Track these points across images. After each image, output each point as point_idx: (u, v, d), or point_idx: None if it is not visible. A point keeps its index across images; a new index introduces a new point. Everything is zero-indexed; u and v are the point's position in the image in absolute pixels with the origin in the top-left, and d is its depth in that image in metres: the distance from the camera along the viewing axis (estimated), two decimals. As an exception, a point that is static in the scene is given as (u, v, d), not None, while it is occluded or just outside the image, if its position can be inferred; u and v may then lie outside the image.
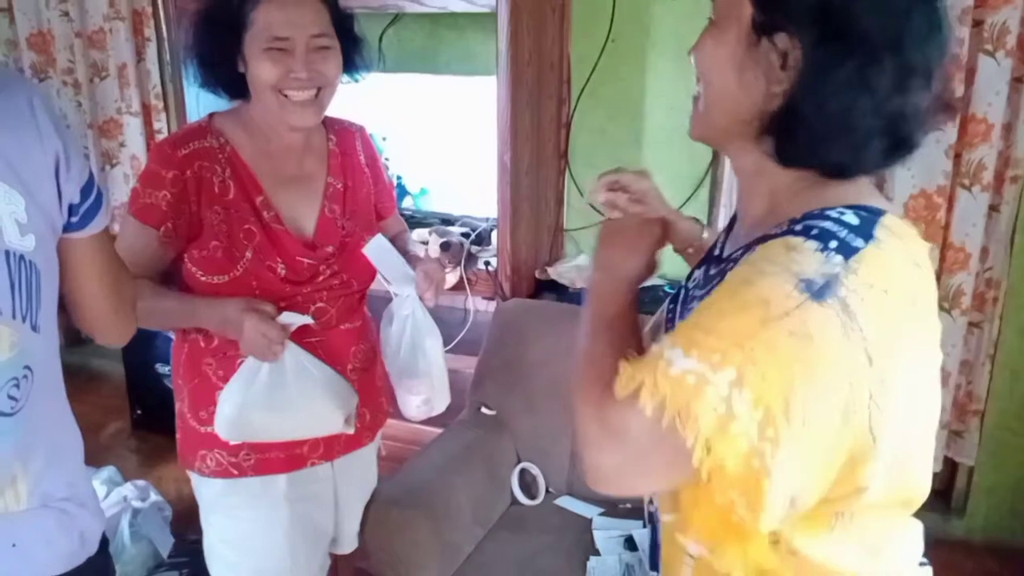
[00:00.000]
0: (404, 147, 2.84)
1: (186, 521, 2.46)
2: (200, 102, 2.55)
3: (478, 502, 2.10)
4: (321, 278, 1.57)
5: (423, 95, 2.78)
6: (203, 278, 1.50)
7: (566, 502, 2.21)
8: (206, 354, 1.56)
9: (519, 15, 2.29)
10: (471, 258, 2.67)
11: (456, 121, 2.74)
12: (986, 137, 2.26)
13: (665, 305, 1.03)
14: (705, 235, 1.21)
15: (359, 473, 1.80)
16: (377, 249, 1.60)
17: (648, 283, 1.07)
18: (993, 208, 2.35)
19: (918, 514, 0.91)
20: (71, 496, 1.10)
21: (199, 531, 1.68)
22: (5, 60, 3.45)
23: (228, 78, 1.52)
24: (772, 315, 0.72)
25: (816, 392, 0.72)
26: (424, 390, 1.72)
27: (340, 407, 1.56)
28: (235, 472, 1.58)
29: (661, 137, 2.69)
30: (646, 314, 1.07)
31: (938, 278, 2.37)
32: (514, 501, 2.23)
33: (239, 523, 1.63)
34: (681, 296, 1.00)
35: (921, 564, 0.94)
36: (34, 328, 1.00)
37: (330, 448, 1.65)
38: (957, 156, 2.30)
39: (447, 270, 2.41)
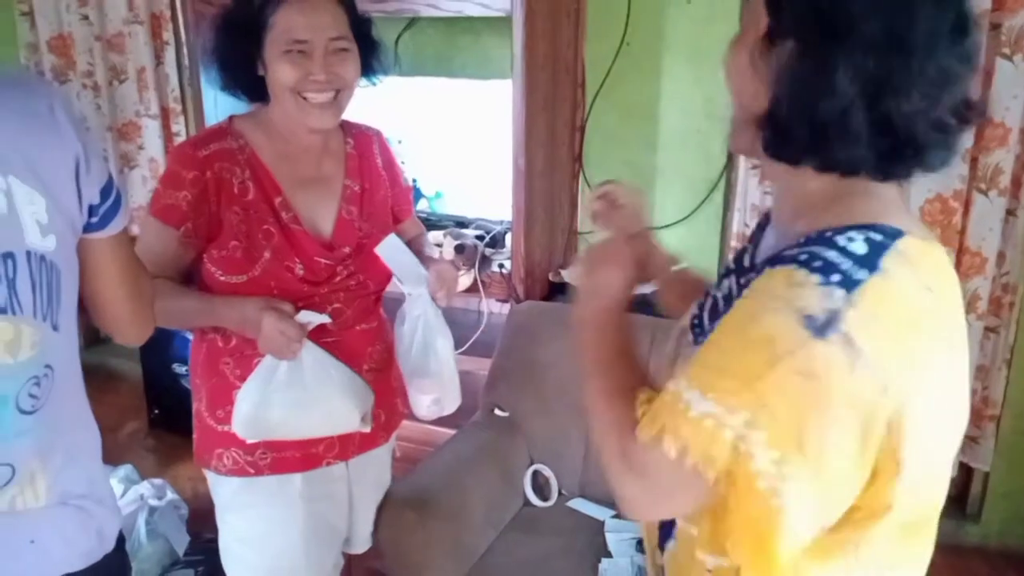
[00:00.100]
0: (419, 150, 2.85)
1: (202, 519, 2.48)
2: (218, 105, 2.57)
3: (491, 503, 2.11)
4: (338, 279, 1.59)
5: (439, 98, 2.79)
6: (222, 278, 1.51)
7: (578, 504, 2.21)
8: (224, 354, 1.58)
9: (534, 19, 2.29)
10: (485, 261, 2.68)
11: (471, 124, 2.76)
12: (1003, 142, 2.25)
13: (691, 310, 1.03)
14: (682, 266, 1.22)
15: (373, 473, 1.81)
16: (389, 248, 1.61)
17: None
18: (1010, 213, 2.33)
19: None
20: (89, 494, 1.11)
21: (215, 529, 1.70)
22: (26, 63, 3.49)
23: (248, 81, 1.54)
24: (778, 354, 0.73)
25: (829, 424, 0.74)
26: (434, 390, 1.73)
27: (357, 405, 1.57)
28: (251, 471, 1.60)
29: (675, 140, 2.68)
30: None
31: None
32: (526, 502, 2.23)
33: (254, 522, 1.64)
34: (708, 304, 0.99)
35: None
36: (55, 327, 1.01)
37: (345, 448, 1.66)
38: (974, 160, 2.29)
39: (460, 272, 2.42)
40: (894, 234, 0.78)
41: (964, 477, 2.64)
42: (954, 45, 0.78)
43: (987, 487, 2.63)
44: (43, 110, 0.99)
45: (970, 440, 2.54)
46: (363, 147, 1.68)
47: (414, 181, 2.88)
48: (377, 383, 1.65)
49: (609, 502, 2.16)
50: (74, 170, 1.02)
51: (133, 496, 2.55)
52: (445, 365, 1.72)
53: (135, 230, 1.51)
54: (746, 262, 0.99)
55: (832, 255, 0.76)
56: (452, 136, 2.81)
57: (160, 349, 3.12)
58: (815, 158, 0.83)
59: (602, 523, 2.12)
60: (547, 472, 2.26)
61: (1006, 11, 2.17)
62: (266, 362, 1.50)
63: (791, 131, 0.81)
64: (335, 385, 1.54)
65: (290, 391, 1.50)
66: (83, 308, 1.10)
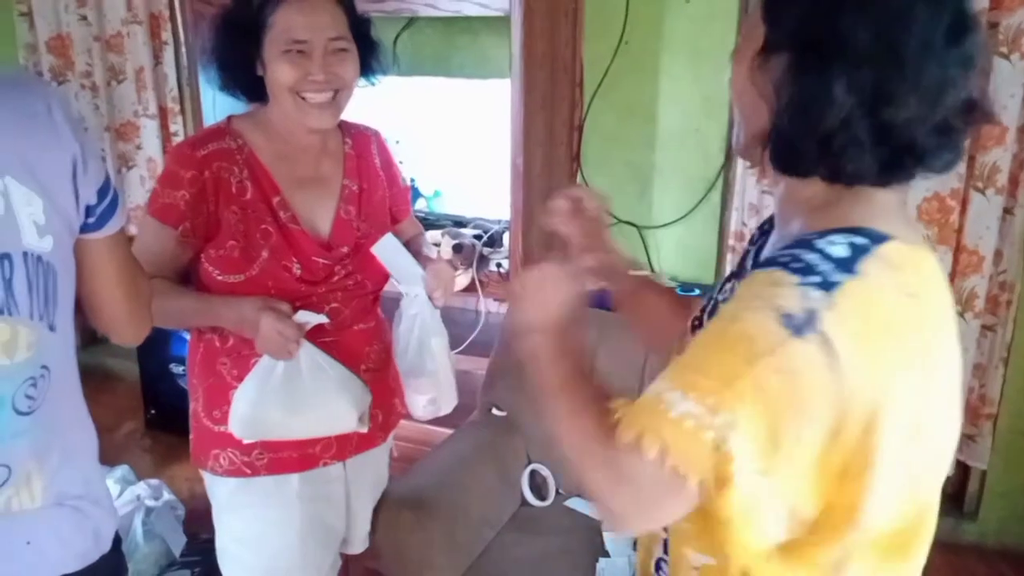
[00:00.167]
0: (418, 150, 2.85)
1: (198, 520, 2.48)
2: (217, 105, 2.57)
3: (488, 503, 2.11)
4: (336, 278, 1.59)
5: (437, 98, 2.79)
6: (219, 277, 1.51)
7: (576, 503, 2.21)
8: (221, 354, 1.58)
9: (532, 18, 2.29)
10: (483, 260, 2.68)
11: (469, 124, 2.75)
12: (1000, 140, 2.25)
13: (695, 316, 1.03)
14: (640, 272, 1.23)
15: (371, 473, 1.81)
16: (385, 248, 1.61)
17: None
18: (1007, 211, 2.34)
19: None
20: (85, 494, 1.11)
21: (211, 530, 1.70)
22: (25, 64, 3.49)
23: (247, 81, 1.54)
24: (757, 352, 0.74)
25: (803, 419, 0.75)
26: (430, 390, 1.73)
27: (354, 405, 1.57)
28: (248, 471, 1.59)
29: (673, 140, 2.69)
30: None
31: (951, 281, 2.36)
32: (524, 502, 2.23)
33: (251, 522, 1.64)
34: (709, 307, 1.00)
35: None
36: (51, 328, 1.01)
37: (342, 448, 1.66)
38: (971, 159, 2.29)
39: (458, 272, 2.42)
40: (879, 238, 0.79)
41: (961, 475, 2.65)
42: (952, 48, 0.77)
43: (984, 485, 2.63)
44: (41, 111, 0.99)
45: (967, 438, 2.55)
46: (361, 147, 1.68)
47: (412, 181, 2.87)
48: (375, 383, 1.65)
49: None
50: (71, 171, 1.02)
51: (130, 497, 2.55)
52: (441, 365, 1.72)
53: (133, 230, 1.51)
54: (747, 265, 1.00)
55: (812, 257, 0.77)
56: (450, 136, 2.81)
57: (157, 349, 3.12)
58: (824, 170, 0.83)
59: (599, 523, 2.12)
60: (545, 472, 2.26)
61: (1003, 10, 2.17)
62: (263, 362, 1.50)
63: (796, 145, 0.82)
64: (332, 385, 1.54)
65: (287, 391, 1.50)
66: (80, 308, 1.10)
